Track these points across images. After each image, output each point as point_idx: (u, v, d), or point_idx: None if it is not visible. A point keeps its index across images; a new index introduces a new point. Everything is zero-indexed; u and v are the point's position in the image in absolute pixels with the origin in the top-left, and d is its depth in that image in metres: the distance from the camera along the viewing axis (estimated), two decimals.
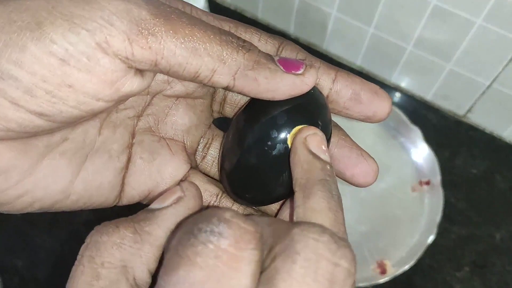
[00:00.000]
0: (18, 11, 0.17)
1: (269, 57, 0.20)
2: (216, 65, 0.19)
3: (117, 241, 0.19)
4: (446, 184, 0.59)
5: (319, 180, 0.20)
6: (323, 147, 0.21)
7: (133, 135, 0.23)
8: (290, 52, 0.22)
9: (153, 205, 0.21)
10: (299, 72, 0.20)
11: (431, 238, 0.55)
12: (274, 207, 0.25)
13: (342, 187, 0.23)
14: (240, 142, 0.22)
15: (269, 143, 0.21)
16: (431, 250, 0.55)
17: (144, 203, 0.24)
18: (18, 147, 0.19)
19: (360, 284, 0.53)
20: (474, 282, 0.56)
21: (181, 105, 0.24)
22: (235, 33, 0.21)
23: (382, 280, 0.53)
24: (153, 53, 0.18)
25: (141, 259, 0.19)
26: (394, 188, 0.60)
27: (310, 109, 0.21)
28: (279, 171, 0.22)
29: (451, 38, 0.57)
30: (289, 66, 0.20)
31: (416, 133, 0.61)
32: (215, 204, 0.24)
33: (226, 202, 0.25)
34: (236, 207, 0.25)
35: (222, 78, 0.19)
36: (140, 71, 0.19)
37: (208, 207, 0.24)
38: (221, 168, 0.24)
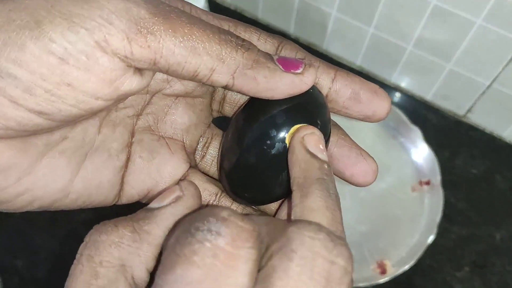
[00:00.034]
0: (17, 10, 0.17)
1: (268, 56, 0.20)
2: (215, 64, 0.19)
3: (116, 240, 0.19)
4: (446, 184, 0.59)
5: (317, 179, 0.20)
6: (321, 146, 0.21)
7: (132, 134, 0.23)
8: (289, 51, 0.22)
9: (152, 204, 0.21)
10: (298, 71, 0.20)
11: (431, 238, 0.55)
12: (273, 206, 0.25)
13: (342, 187, 0.23)
14: (239, 141, 0.22)
15: (268, 142, 0.21)
16: (431, 250, 0.55)
17: (143, 202, 0.24)
18: (17, 145, 0.19)
19: (360, 284, 0.53)
20: (474, 282, 0.56)
21: (180, 104, 0.24)
22: (234, 32, 0.21)
23: (382, 280, 0.53)
24: (152, 52, 0.18)
25: (140, 258, 0.19)
26: (394, 188, 0.60)
27: (309, 108, 0.21)
28: (278, 170, 0.22)
29: (451, 38, 0.57)
30: (288, 65, 0.20)
31: (416, 133, 0.61)
32: (214, 203, 0.24)
33: (225, 201, 0.25)
34: (235, 206, 0.25)
35: (221, 77, 0.19)
36: (139, 70, 0.19)
37: (207, 206, 0.24)
38: (220, 167, 0.24)
